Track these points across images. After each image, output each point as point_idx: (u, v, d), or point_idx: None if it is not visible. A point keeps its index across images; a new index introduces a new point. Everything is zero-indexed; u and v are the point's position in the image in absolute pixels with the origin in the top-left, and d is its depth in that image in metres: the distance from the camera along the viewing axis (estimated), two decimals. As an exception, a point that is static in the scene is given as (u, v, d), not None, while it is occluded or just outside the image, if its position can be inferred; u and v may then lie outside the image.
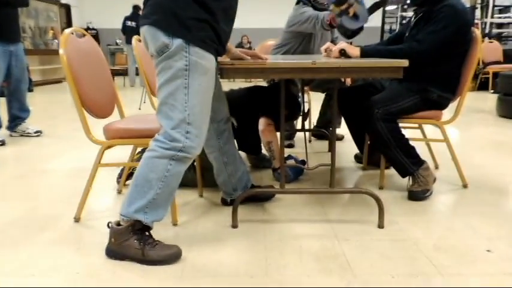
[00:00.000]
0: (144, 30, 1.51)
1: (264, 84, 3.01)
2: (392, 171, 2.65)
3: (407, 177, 2.32)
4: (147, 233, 1.60)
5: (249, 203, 2.16)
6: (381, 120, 2.18)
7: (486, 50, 7.40)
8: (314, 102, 4.92)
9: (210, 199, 2.26)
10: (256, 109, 2.47)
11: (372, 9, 2.15)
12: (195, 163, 2.33)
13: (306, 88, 3.34)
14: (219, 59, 1.75)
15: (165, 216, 1.61)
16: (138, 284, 1.45)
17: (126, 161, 2.54)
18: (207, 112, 1.57)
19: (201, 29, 1.48)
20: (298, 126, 3.86)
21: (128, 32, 8.57)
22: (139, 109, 6.03)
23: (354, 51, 2.06)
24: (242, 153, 2.91)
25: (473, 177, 2.55)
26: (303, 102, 2.81)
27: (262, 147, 2.68)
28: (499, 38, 9.10)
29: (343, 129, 3.77)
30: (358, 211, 2.08)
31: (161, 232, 1.84)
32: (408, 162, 2.21)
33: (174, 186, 1.59)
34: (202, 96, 1.53)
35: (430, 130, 3.93)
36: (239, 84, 7.98)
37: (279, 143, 2.37)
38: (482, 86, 7.56)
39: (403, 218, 1.98)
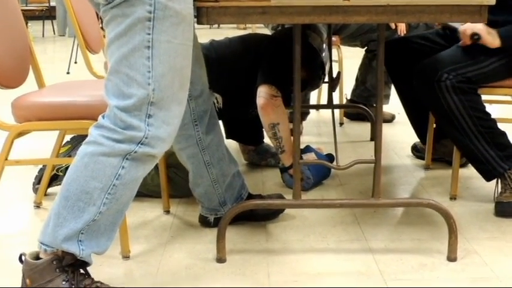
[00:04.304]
0: None
1: (267, 31, 3.00)
2: (470, 172, 2.66)
3: (494, 181, 2.34)
4: (81, 271, 1.60)
5: (243, 223, 2.17)
6: (453, 90, 2.18)
7: None
8: (348, 62, 4.90)
9: (182, 217, 2.27)
10: (254, 72, 2.47)
11: None
12: (157, 160, 2.33)
13: (334, 39, 3.33)
14: None
15: (110, 245, 1.61)
16: None
17: (47, 156, 2.54)
18: (183, 84, 1.57)
19: None
20: (322, 100, 3.85)
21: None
22: (68, 73, 6.00)
23: None
24: (229, 143, 2.91)
25: None
26: (330, 61, 2.81)
27: (264, 133, 2.68)
28: None
29: (393, 105, 3.77)
30: (416, 235, 2.09)
31: (105, 269, 1.84)
32: (495, 156, 2.22)
33: (126, 201, 1.59)
34: (175, 60, 1.52)
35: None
36: (226, 32, 7.94)
37: (290, 126, 2.37)
38: None
39: (486, 246, 1.99)
